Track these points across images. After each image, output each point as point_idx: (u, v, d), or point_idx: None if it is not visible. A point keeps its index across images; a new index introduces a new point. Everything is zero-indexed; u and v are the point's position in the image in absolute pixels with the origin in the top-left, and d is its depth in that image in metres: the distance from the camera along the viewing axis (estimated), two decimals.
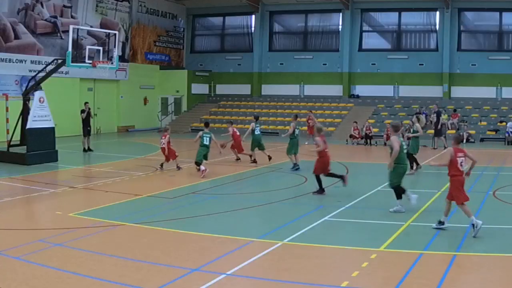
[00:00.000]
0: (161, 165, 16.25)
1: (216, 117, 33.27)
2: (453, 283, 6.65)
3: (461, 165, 9.27)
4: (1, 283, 6.50)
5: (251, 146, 17.81)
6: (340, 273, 7.07)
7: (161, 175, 15.60)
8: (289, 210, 10.99)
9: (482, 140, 26.63)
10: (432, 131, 26.21)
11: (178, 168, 16.21)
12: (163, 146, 16.20)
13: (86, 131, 21.12)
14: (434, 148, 22.86)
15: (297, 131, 16.84)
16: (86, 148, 21.08)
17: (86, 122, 21.29)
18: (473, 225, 8.70)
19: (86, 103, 22.35)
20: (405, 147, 10.88)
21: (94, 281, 6.67)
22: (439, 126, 23.32)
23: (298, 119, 18.43)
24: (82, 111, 21.60)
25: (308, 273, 7.05)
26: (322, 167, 12.42)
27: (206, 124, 16.34)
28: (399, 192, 10.60)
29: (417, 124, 16.97)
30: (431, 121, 28.39)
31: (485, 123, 28.09)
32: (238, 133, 18.35)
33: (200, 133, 15.48)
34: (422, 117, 17.72)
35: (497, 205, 11.39)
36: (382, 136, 25.44)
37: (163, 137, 16.27)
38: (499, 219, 10.06)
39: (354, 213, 10.64)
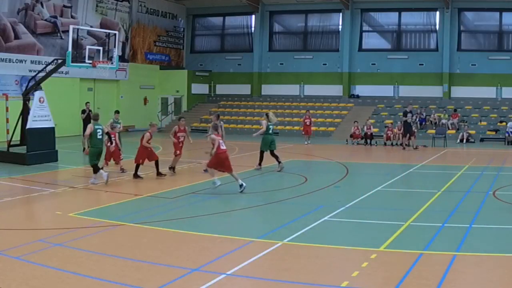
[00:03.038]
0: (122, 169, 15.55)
1: None
2: (453, 283, 6.65)
3: (221, 145, 12.75)
4: (1, 283, 6.50)
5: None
6: (340, 273, 7.07)
7: None
8: (289, 210, 10.99)
9: (482, 140, 26.64)
10: (433, 131, 26.29)
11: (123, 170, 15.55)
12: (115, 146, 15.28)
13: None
14: (404, 148, 22.98)
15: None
16: (86, 148, 20.99)
17: (86, 122, 21.21)
18: (213, 183, 12.59)
19: (87, 103, 22.30)
20: (99, 132, 13.65)
21: (94, 281, 6.67)
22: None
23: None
24: (83, 111, 21.54)
25: (308, 273, 7.05)
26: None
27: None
28: (96, 168, 13.55)
29: (264, 121, 16.57)
30: (431, 121, 28.47)
31: (485, 123, 28.10)
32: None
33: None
34: (271, 114, 17.08)
35: (497, 205, 11.38)
36: (382, 136, 25.48)
37: (113, 135, 15.24)
38: (499, 219, 10.06)
39: (354, 213, 10.64)
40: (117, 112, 18.16)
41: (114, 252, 7.89)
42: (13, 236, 8.81)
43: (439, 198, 12.05)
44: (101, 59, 18.11)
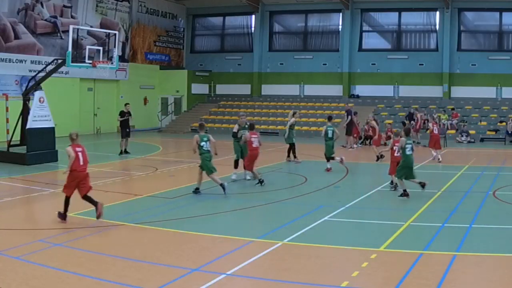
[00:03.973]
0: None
1: (216, 117, 33.26)
2: (453, 283, 6.65)
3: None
4: (1, 283, 6.50)
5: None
6: (340, 273, 7.08)
7: (161, 175, 15.60)
8: (289, 210, 10.99)
9: (482, 140, 26.63)
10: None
11: None
12: None
13: (125, 133, 20.31)
14: (348, 147, 23.29)
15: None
16: (123, 150, 20.20)
17: (123, 126, 20.40)
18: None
19: (126, 104, 21.92)
20: None
21: (94, 281, 6.67)
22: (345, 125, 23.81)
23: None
24: (122, 114, 20.77)
25: (308, 273, 7.05)
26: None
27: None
28: None
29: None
30: (428, 121, 28.41)
31: (485, 123, 28.09)
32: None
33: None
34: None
35: (497, 205, 11.39)
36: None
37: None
38: (499, 219, 10.06)
39: (354, 213, 10.64)
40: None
41: (114, 252, 7.90)
42: (13, 236, 8.81)
43: (439, 198, 12.04)
44: (101, 59, 18.12)
